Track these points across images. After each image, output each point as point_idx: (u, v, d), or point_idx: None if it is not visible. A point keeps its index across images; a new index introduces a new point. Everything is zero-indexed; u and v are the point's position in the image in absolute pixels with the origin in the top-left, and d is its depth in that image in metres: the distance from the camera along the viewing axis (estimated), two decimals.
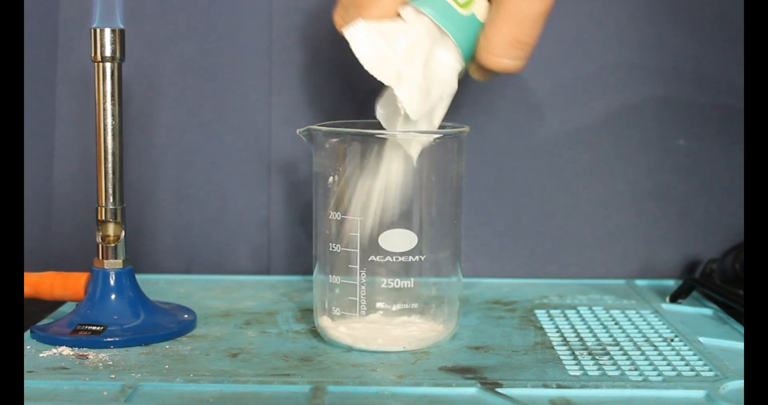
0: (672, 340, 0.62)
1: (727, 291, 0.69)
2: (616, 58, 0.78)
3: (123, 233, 0.63)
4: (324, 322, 0.61)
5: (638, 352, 0.59)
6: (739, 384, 0.54)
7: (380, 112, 0.61)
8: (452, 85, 0.60)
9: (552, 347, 0.60)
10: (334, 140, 0.59)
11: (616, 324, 0.65)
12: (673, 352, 0.59)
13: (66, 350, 0.58)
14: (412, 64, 0.58)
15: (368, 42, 0.58)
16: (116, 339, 0.60)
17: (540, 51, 0.77)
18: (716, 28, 0.78)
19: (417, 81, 0.58)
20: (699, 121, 0.79)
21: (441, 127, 0.61)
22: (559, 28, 0.77)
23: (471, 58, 0.60)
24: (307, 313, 0.67)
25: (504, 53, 0.58)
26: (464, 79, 0.78)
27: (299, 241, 0.79)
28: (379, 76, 0.58)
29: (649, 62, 0.78)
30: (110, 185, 0.62)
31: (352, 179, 0.59)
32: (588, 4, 0.78)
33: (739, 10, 0.75)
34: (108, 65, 0.61)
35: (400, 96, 0.57)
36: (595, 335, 0.63)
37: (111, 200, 0.62)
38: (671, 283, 0.77)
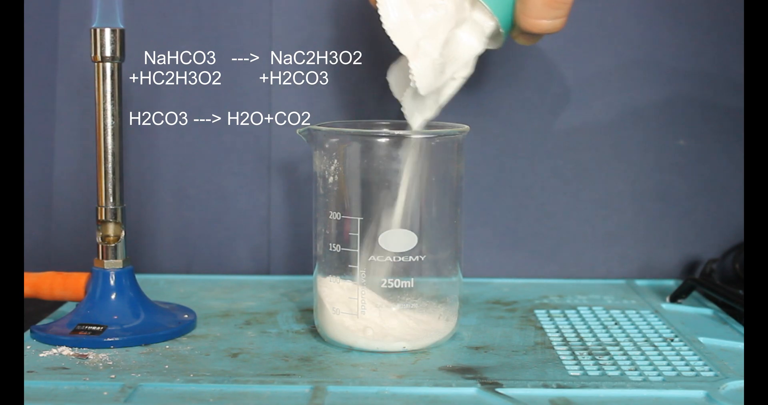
0: (672, 340, 0.61)
1: (727, 291, 0.68)
2: (615, 59, 0.78)
3: (123, 233, 0.63)
4: (324, 320, 0.61)
5: (638, 352, 0.59)
6: (739, 384, 0.54)
7: (391, 79, 0.61)
8: (468, 68, 0.59)
9: (552, 347, 0.60)
10: (334, 140, 0.59)
11: (616, 324, 0.65)
12: (673, 352, 0.59)
13: (66, 350, 0.58)
14: (433, 39, 0.57)
15: (396, 5, 0.57)
16: (116, 339, 0.60)
17: (540, 52, 0.77)
18: (717, 28, 0.78)
19: (433, 57, 0.57)
20: (699, 121, 0.79)
21: (441, 127, 0.61)
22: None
23: (510, 25, 0.59)
24: (307, 313, 0.67)
25: (541, 14, 0.57)
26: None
27: (299, 241, 0.79)
28: (398, 42, 0.57)
29: (648, 63, 0.78)
30: (110, 185, 0.62)
31: (353, 179, 0.59)
32: (588, 5, 0.78)
33: (740, 10, 0.75)
34: (108, 65, 0.61)
35: (414, 69, 0.57)
36: (595, 335, 0.63)
37: (111, 200, 0.62)
38: (671, 283, 0.77)
